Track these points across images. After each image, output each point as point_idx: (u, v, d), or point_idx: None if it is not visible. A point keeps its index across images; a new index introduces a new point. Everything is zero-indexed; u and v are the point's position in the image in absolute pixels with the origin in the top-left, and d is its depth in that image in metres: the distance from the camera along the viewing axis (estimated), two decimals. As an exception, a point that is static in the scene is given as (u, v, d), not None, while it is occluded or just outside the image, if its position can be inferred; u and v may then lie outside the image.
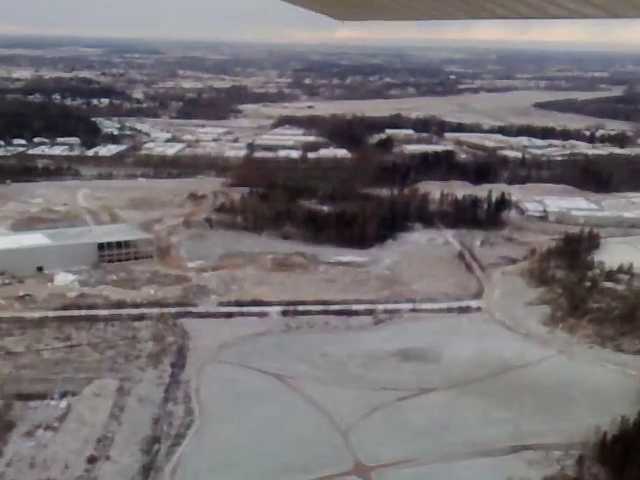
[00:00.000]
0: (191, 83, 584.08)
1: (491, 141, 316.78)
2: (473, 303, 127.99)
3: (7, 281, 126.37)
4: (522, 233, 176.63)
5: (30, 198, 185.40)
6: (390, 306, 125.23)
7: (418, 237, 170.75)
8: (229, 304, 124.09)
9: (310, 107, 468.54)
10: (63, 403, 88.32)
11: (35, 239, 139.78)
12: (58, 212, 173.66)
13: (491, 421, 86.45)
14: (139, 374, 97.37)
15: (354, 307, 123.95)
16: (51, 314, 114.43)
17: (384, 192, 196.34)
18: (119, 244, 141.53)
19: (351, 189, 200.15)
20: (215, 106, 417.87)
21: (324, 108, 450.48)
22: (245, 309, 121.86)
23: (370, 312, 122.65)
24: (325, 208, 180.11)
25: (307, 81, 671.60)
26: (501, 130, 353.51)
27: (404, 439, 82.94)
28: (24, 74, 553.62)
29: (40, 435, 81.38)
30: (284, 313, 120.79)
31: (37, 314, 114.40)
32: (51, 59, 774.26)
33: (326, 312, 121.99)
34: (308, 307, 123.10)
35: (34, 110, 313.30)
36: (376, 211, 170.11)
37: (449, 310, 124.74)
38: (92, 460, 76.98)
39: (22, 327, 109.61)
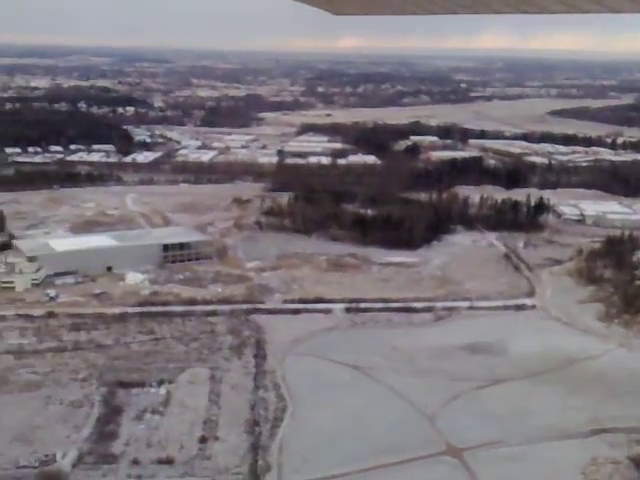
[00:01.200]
0: (207, 92, 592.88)
1: (516, 148, 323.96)
2: (527, 301, 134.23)
3: (80, 280, 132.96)
4: (561, 236, 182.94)
5: (81, 202, 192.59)
6: (448, 304, 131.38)
7: (462, 239, 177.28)
8: (293, 301, 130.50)
9: (328, 115, 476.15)
10: (162, 390, 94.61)
11: (102, 241, 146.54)
12: (112, 216, 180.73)
13: (568, 407, 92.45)
14: (226, 364, 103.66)
15: (413, 305, 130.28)
16: (130, 310, 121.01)
17: (422, 196, 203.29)
18: (181, 245, 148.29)
19: (389, 193, 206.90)
20: (236, 114, 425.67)
21: (342, 116, 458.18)
22: (310, 306, 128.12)
23: (429, 309, 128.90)
24: (368, 212, 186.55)
25: (320, 89, 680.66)
26: (524, 137, 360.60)
27: (488, 424, 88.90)
28: (41, 83, 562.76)
29: (149, 419, 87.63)
30: (347, 310, 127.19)
31: (116, 310, 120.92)
32: (64, 68, 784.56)
33: (387, 309, 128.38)
34: (369, 304, 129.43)
35: (64, 118, 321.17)
36: (421, 214, 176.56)
37: (505, 308, 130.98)
38: (203, 440, 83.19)
39: (105, 322, 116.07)
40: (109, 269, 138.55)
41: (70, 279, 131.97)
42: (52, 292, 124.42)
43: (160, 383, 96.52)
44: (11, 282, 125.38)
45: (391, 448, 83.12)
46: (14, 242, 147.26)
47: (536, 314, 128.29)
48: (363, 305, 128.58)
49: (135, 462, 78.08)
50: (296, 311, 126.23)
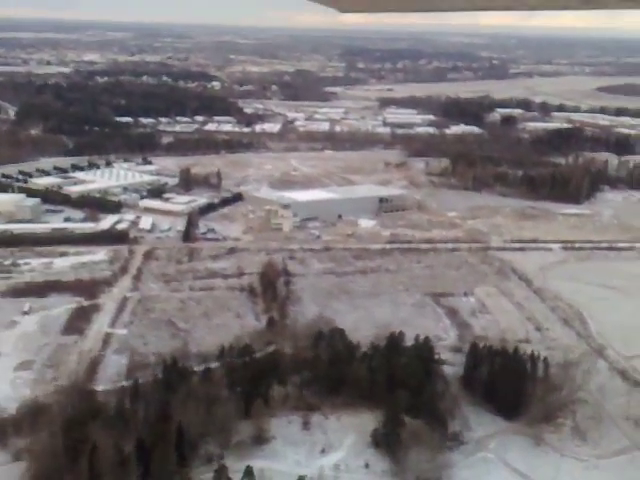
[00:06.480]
0: (255, 67, 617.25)
1: (600, 120, 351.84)
2: None
3: (323, 224, 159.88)
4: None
5: (259, 165, 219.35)
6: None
7: (613, 196, 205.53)
8: (513, 242, 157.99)
9: (390, 90, 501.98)
10: (471, 299, 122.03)
11: (326, 194, 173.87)
12: (295, 176, 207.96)
13: None
14: (502, 284, 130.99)
15: (616, 245, 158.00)
16: (386, 246, 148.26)
17: (558, 160, 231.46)
18: (390, 198, 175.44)
19: (526, 157, 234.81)
20: (308, 89, 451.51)
21: (403, 90, 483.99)
22: (530, 245, 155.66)
23: (630, 248, 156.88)
24: (525, 172, 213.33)
25: (360, 66, 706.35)
26: (601, 110, 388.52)
27: None
28: (93, 57, 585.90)
29: (481, 316, 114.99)
30: (564, 248, 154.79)
31: (375, 246, 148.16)
32: (96, 43, 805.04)
33: (596, 248, 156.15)
34: (579, 244, 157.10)
35: (167, 91, 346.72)
36: (578, 174, 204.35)
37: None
38: (538, 329, 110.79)
39: (374, 254, 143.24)
40: (340, 217, 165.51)
41: (316, 223, 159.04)
42: (316, 232, 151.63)
43: (465, 295, 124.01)
44: (280, 224, 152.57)
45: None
46: (246, 195, 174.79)
47: None
48: (576, 245, 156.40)
49: (503, 340, 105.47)
50: (521, 249, 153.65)
